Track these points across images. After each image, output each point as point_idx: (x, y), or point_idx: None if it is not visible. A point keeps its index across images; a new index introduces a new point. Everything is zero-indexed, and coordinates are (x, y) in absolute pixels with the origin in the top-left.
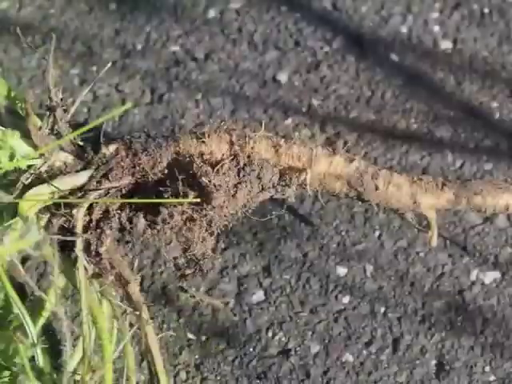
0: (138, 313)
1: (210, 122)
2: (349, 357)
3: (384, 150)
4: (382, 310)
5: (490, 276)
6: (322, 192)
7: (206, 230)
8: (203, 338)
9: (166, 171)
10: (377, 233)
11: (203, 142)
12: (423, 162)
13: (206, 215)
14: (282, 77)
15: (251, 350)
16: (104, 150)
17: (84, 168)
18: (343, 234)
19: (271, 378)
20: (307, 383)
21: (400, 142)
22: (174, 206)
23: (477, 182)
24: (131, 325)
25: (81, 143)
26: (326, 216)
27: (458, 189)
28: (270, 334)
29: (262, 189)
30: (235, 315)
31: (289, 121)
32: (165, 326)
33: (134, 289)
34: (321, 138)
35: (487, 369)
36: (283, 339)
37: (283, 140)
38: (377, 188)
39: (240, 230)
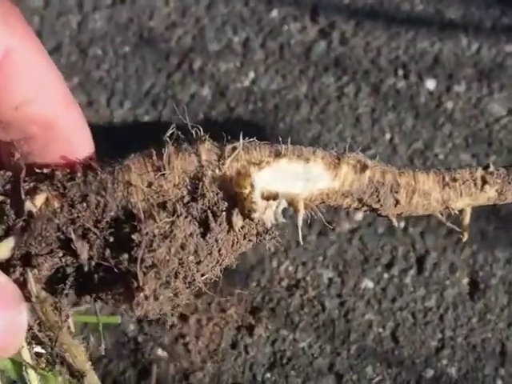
0: None
1: (183, 22)
2: (368, 283)
3: (387, 38)
4: (402, 224)
5: None
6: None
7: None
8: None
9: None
10: (387, 136)
11: (163, 174)
12: (434, 48)
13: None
14: None
15: (254, 284)
16: (29, 205)
17: (5, 235)
18: (349, 140)
19: (280, 315)
20: (322, 317)
21: (405, 27)
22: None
23: None
24: None
25: None
26: (328, 121)
27: (502, 184)
28: (274, 264)
29: (239, 240)
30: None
31: (274, 13)
32: None
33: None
34: (313, 30)
35: None
36: (290, 269)
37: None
38: (397, 203)
39: None
